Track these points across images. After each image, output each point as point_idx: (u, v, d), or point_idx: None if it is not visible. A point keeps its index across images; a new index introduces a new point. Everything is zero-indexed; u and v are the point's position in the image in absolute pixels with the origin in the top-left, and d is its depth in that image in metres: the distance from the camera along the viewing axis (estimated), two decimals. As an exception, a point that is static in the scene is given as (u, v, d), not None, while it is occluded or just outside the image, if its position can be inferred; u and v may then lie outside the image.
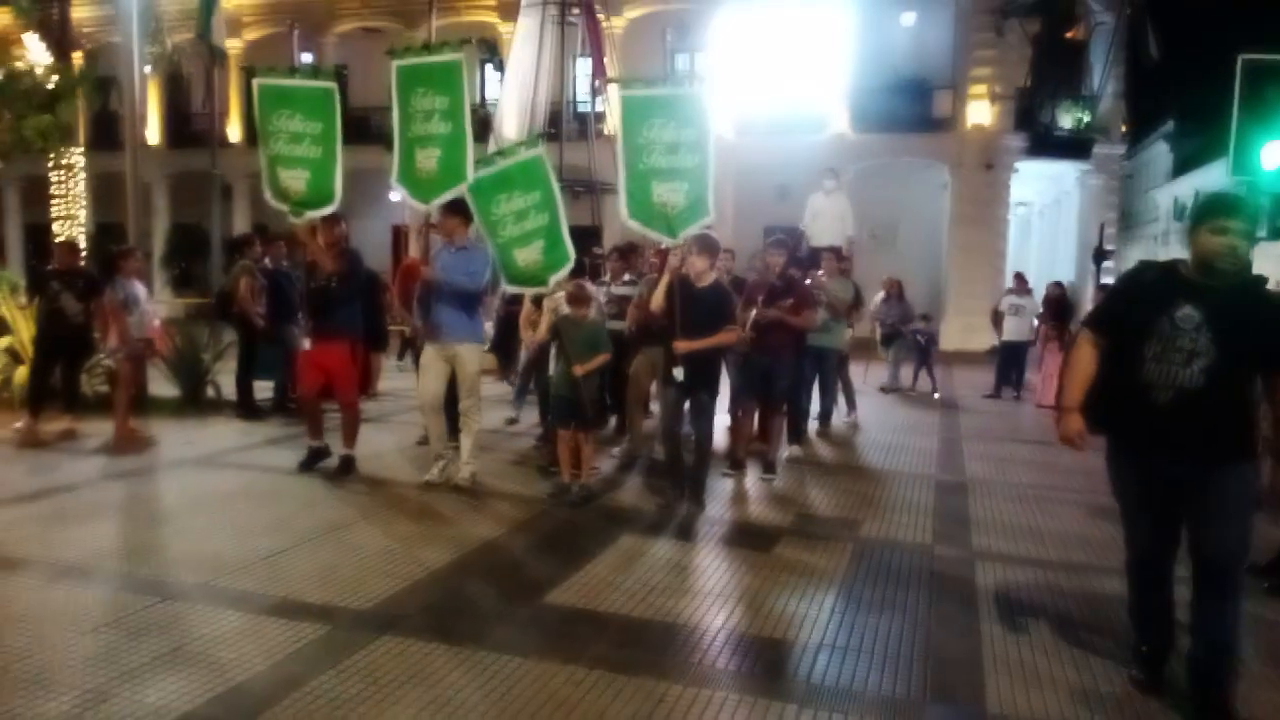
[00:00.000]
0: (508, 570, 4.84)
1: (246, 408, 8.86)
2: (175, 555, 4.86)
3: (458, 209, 6.21)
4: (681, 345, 5.75)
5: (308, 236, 6.37)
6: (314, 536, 5.22)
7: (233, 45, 21.44)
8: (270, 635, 3.83)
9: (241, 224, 22.96)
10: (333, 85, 6.27)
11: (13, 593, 4.25)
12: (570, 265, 6.05)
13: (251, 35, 23.61)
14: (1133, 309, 3.39)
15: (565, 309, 6.18)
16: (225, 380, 9.35)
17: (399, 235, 23.15)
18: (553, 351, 6.53)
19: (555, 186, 6.00)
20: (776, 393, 7.00)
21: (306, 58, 21.32)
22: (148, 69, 13.37)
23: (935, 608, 4.40)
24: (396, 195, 21.43)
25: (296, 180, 6.18)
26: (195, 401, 9.22)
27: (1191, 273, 3.32)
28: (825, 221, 10.72)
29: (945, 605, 4.44)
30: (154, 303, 8.63)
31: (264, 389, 9.12)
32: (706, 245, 5.90)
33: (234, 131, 23.35)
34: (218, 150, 16.72)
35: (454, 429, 6.64)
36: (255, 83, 6.28)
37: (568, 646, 3.78)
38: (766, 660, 3.78)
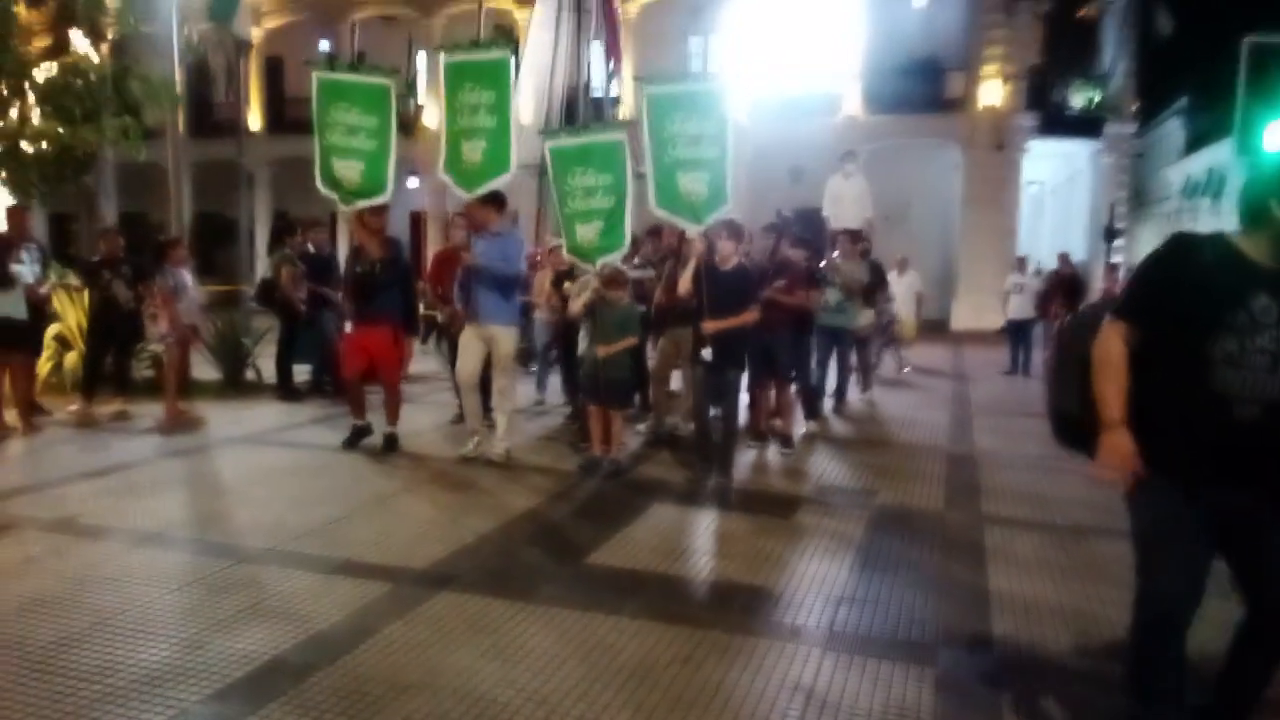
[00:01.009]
0: (549, 535, 5.22)
1: (286, 390, 9.26)
2: (241, 523, 5.26)
3: (493, 199, 6.55)
4: (710, 326, 6.09)
5: (357, 225, 6.73)
6: (366, 506, 5.61)
7: (253, 34, 21.76)
8: (340, 591, 4.21)
9: (263, 212, 23.39)
10: (390, 82, 6.60)
11: (100, 557, 4.65)
12: (622, 252, 6.34)
13: (271, 24, 23.92)
14: (1192, 296, 2.65)
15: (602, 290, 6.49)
16: (264, 364, 9.76)
17: (417, 221, 23.51)
18: (583, 330, 6.87)
19: (628, 175, 6.18)
20: (779, 369, 7.34)
21: (324, 45, 21.64)
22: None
23: (946, 566, 4.76)
24: (414, 182, 21.60)
25: (351, 170, 6.54)
26: (236, 384, 9.64)
27: (1258, 253, 2.67)
28: (845, 205, 10.98)
29: (955, 563, 4.79)
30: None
31: (301, 372, 9.52)
32: (734, 230, 6.25)
33: (254, 120, 23.69)
34: (243, 139, 17.10)
35: (488, 407, 7.01)
36: (315, 76, 6.61)
37: (611, 600, 4.14)
38: (792, 611, 4.14)
